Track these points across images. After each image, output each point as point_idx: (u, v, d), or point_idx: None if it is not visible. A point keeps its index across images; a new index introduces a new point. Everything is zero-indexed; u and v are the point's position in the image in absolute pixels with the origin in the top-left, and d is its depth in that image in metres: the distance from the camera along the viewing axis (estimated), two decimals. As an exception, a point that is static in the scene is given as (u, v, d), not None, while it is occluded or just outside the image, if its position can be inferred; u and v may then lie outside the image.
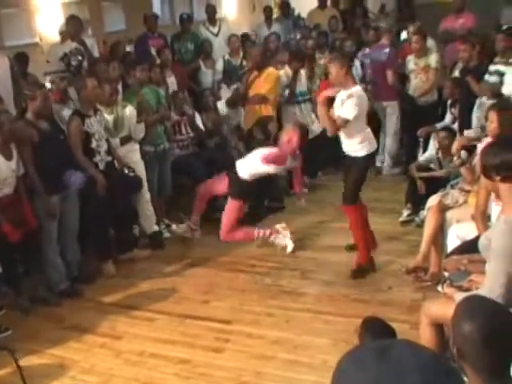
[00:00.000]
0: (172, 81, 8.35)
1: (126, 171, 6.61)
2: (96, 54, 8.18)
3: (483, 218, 4.78)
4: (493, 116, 4.98)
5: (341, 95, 5.75)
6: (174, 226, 7.28)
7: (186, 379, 4.60)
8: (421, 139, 7.98)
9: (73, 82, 6.99)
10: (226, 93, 9.14)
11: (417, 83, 8.31)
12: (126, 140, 6.83)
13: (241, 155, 8.11)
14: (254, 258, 6.60)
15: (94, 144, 6.24)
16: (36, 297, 5.90)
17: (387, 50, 8.73)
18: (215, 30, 10.31)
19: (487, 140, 5.04)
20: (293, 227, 6.96)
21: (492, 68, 6.93)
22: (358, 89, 5.81)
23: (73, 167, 5.97)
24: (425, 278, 5.59)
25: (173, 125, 7.77)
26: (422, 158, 7.29)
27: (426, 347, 1.84)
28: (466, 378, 2.23)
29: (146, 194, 7.00)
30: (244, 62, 9.15)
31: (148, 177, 7.02)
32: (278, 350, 4.86)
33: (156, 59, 8.41)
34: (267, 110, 7.24)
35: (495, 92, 6.52)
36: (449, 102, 7.60)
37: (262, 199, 7.23)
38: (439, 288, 4.28)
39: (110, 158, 6.45)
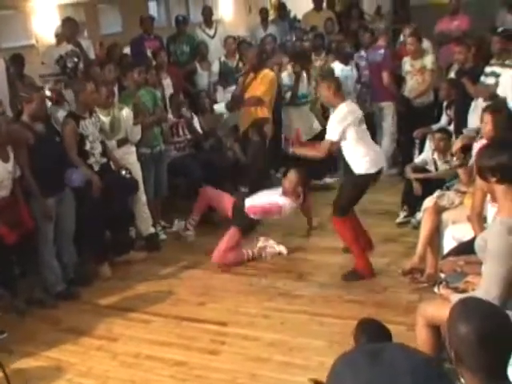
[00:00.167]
0: (168, 83, 8.36)
1: (123, 173, 6.60)
2: (92, 56, 8.18)
3: (479, 220, 4.79)
4: (487, 118, 4.99)
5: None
6: (176, 221, 7.35)
7: (181, 381, 4.60)
8: (417, 140, 8.00)
9: (71, 84, 7.00)
10: (222, 95, 9.15)
11: (413, 85, 8.33)
12: (122, 142, 6.82)
13: (236, 157, 8.19)
14: (249, 260, 6.59)
15: (87, 146, 6.23)
16: (32, 299, 5.90)
17: (382, 51, 8.76)
18: (211, 31, 10.32)
19: (482, 142, 5.05)
20: (289, 229, 6.98)
21: (488, 70, 6.94)
22: (343, 105, 5.86)
23: (68, 169, 5.98)
24: (421, 280, 5.58)
25: (170, 127, 7.79)
26: (418, 159, 7.30)
27: (419, 350, 1.86)
28: (462, 380, 2.24)
29: (143, 196, 6.99)
30: (240, 64, 9.16)
31: (144, 178, 7.02)
32: (273, 352, 4.85)
33: (152, 61, 8.41)
34: (263, 112, 7.25)
35: (491, 93, 6.54)
36: (445, 103, 7.62)
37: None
38: (435, 289, 4.28)
39: (104, 160, 6.43)
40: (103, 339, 5.27)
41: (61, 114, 6.58)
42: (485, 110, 5.16)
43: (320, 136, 7.03)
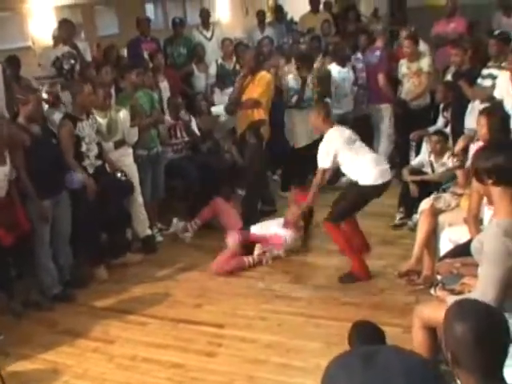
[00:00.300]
0: (165, 85, 8.35)
1: (119, 175, 6.60)
2: (88, 57, 8.18)
3: (475, 222, 4.80)
4: (482, 121, 5.01)
5: None
6: (174, 221, 7.37)
7: (178, 383, 4.59)
8: (413, 143, 8.01)
9: (68, 86, 7.00)
10: (219, 97, 9.16)
11: (409, 87, 8.32)
12: (119, 144, 6.81)
13: (233, 159, 8.19)
14: (250, 267, 6.56)
15: (83, 148, 6.23)
16: (28, 301, 5.88)
17: (378, 52, 8.78)
18: (208, 34, 10.34)
19: (479, 144, 5.06)
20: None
21: (485, 72, 6.96)
22: (331, 131, 5.97)
23: (64, 171, 5.98)
24: (417, 282, 5.59)
25: (168, 129, 7.80)
26: (415, 161, 7.30)
27: (415, 352, 1.86)
28: (459, 382, 2.24)
29: (139, 198, 6.99)
30: (237, 66, 9.17)
31: (141, 180, 7.01)
32: (270, 353, 4.85)
33: (148, 63, 8.41)
34: (259, 114, 7.24)
35: (488, 96, 6.55)
36: (441, 105, 7.62)
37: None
38: (432, 291, 4.28)
39: (99, 163, 6.43)
40: (99, 341, 5.26)
41: (57, 116, 6.57)
42: (480, 113, 5.19)
43: (320, 141, 7.05)
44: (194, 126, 8.08)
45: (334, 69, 8.85)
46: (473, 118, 6.18)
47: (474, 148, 5.53)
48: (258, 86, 7.21)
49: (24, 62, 7.56)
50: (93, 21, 9.91)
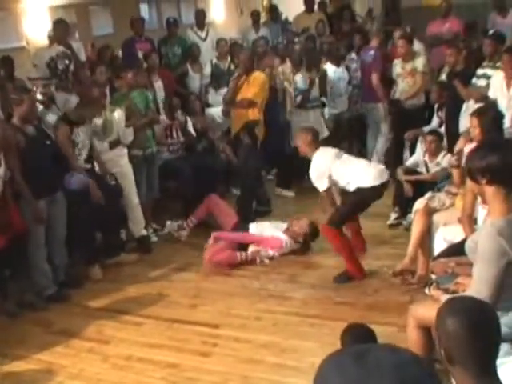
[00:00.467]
0: (159, 85, 8.34)
1: (108, 179, 6.60)
2: (83, 57, 8.17)
3: (470, 221, 4.81)
4: (474, 122, 5.02)
5: None
6: (168, 222, 7.39)
7: (173, 383, 4.59)
8: (407, 142, 8.02)
9: (63, 87, 7.03)
10: (214, 97, 9.16)
11: (404, 87, 8.34)
12: (114, 144, 6.80)
13: (228, 159, 8.20)
14: (242, 263, 6.56)
15: (75, 151, 6.27)
16: (23, 302, 5.87)
17: (373, 52, 8.80)
18: (203, 34, 10.34)
19: (473, 144, 5.06)
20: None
21: (480, 71, 6.98)
22: (316, 155, 6.02)
23: (59, 171, 5.98)
24: (412, 281, 5.59)
25: (165, 129, 7.80)
26: (409, 161, 7.32)
27: (408, 350, 1.85)
28: (453, 381, 2.25)
29: (135, 198, 6.98)
30: (232, 66, 9.17)
31: (136, 180, 7.01)
32: (265, 353, 4.85)
33: (143, 63, 8.40)
34: (254, 114, 7.25)
35: (482, 95, 6.56)
36: (436, 105, 7.63)
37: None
38: (426, 291, 4.29)
39: (88, 166, 6.46)
40: (94, 341, 5.25)
41: (50, 117, 6.57)
42: (472, 114, 5.19)
43: (325, 143, 7.11)
44: (190, 126, 8.09)
45: (330, 68, 8.87)
46: (467, 118, 6.19)
47: (469, 148, 5.54)
48: (253, 86, 7.22)
49: (18, 63, 7.54)
50: (87, 21, 9.88)
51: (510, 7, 9.61)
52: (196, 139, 8.16)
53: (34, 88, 6.98)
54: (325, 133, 8.49)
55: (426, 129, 7.44)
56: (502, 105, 6.11)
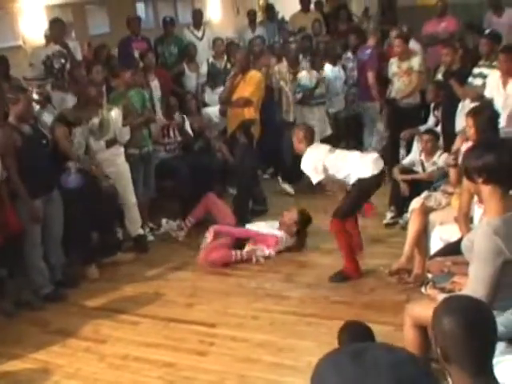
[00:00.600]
0: (155, 84, 8.33)
1: (102, 180, 6.59)
2: (79, 57, 8.16)
3: (466, 220, 4.82)
4: (470, 122, 5.02)
5: None
6: (164, 222, 7.37)
7: (170, 383, 4.59)
8: (403, 142, 8.03)
9: (59, 86, 7.01)
10: (210, 96, 9.15)
11: (399, 86, 8.35)
12: (111, 143, 6.79)
13: (225, 158, 8.20)
14: (237, 261, 6.57)
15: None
16: (20, 301, 5.87)
17: (369, 50, 8.82)
18: (199, 33, 10.33)
19: (469, 144, 5.07)
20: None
21: (476, 71, 6.99)
22: (309, 151, 6.04)
23: (55, 171, 5.97)
24: (408, 280, 5.60)
25: (162, 128, 7.79)
26: (406, 160, 7.32)
27: (405, 349, 1.85)
28: (449, 380, 2.25)
29: (132, 197, 6.98)
30: (228, 65, 9.17)
31: (133, 179, 7.00)
32: (262, 352, 4.86)
33: (139, 62, 8.39)
34: (250, 113, 7.25)
35: (478, 95, 6.57)
36: (432, 104, 7.64)
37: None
38: (423, 290, 4.30)
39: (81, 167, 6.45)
40: (91, 341, 5.25)
41: (46, 117, 6.56)
42: (467, 114, 5.20)
43: (327, 141, 7.12)
44: (187, 126, 8.08)
45: (327, 67, 8.89)
46: (463, 117, 6.20)
47: (465, 147, 5.55)
48: (249, 85, 7.23)
49: (15, 62, 7.53)
50: (84, 20, 9.86)
51: (506, 7, 9.62)
52: (193, 139, 8.16)
53: (30, 88, 6.96)
54: (328, 131, 8.50)
55: (422, 128, 7.45)
56: (498, 104, 6.12)
